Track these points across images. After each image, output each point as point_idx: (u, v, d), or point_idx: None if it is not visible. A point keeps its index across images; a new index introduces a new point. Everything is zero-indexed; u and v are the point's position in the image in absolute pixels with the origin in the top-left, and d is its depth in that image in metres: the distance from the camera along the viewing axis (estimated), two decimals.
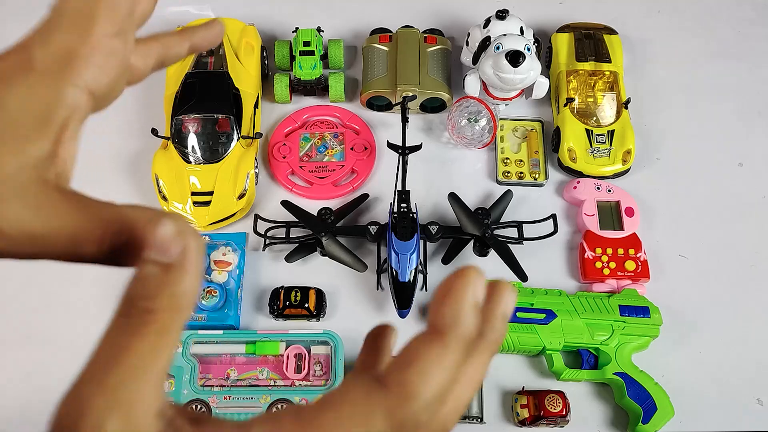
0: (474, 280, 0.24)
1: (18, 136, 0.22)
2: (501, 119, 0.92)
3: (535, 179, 0.88)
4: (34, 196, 0.23)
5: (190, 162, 0.83)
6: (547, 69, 0.97)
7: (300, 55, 0.91)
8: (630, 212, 0.83)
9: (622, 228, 0.82)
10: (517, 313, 0.74)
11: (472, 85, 0.89)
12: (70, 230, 0.23)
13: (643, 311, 0.75)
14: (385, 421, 0.23)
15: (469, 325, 0.24)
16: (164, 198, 0.83)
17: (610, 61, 0.92)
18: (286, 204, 0.83)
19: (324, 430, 0.22)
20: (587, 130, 0.88)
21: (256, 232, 0.81)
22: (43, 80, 0.23)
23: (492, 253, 0.80)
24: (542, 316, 0.75)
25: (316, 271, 0.82)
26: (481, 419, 0.72)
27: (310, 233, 0.80)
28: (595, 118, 0.89)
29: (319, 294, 0.78)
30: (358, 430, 0.23)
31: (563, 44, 0.95)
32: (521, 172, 0.89)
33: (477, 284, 0.24)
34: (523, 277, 0.78)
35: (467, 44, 0.94)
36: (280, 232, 0.82)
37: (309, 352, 0.74)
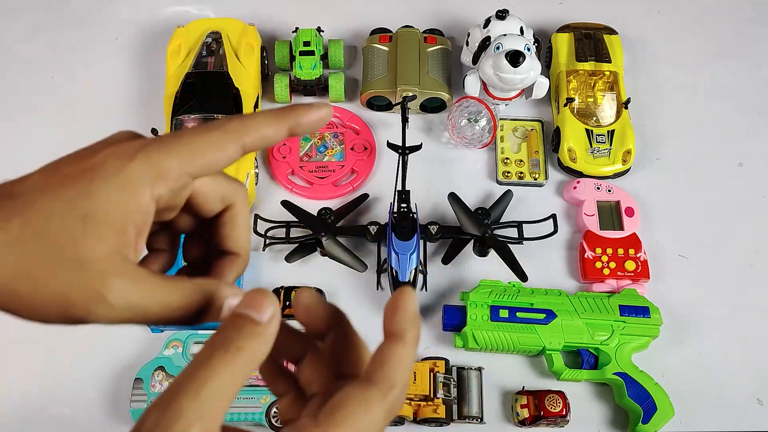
0: (413, 295, 0.32)
1: (106, 227, 0.27)
2: (501, 119, 0.92)
3: (535, 179, 0.88)
4: (132, 274, 0.27)
5: None
6: (547, 69, 0.97)
7: (300, 55, 0.91)
8: (630, 212, 0.83)
9: (622, 228, 0.82)
10: (517, 313, 0.74)
11: (472, 85, 0.89)
12: (166, 302, 0.28)
13: (643, 311, 0.75)
14: (380, 408, 0.28)
15: (418, 327, 0.32)
16: None
17: (610, 61, 0.92)
18: (286, 204, 0.83)
19: None
20: (587, 130, 0.88)
21: (256, 232, 0.81)
22: (128, 186, 0.27)
23: (492, 253, 0.80)
24: (542, 316, 0.75)
25: (316, 271, 0.82)
26: (481, 419, 0.72)
27: (310, 233, 0.80)
28: (595, 118, 0.89)
29: (319, 294, 0.78)
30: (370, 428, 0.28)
31: (563, 44, 0.95)
32: (521, 172, 0.89)
33: (414, 298, 0.33)
34: (523, 277, 0.78)
35: (467, 44, 0.94)
36: (280, 232, 0.82)
37: None
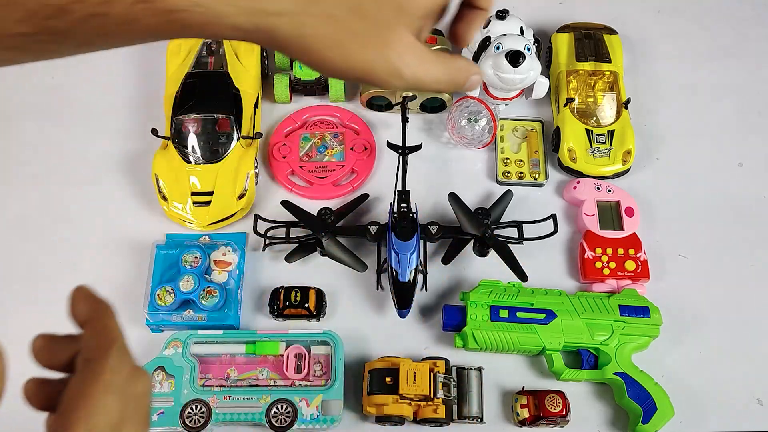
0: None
1: (413, 17, 0.34)
2: (501, 119, 0.92)
3: (535, 179, 0.88)
4: (423, 55, 0.35)
5: (190, 162, 0.83)
6: (547, 69, 0.97)
7: None
8: (630, 212, 0.83)
9: (622, 228, 0.82)
10: (517, 313, 0.74)
11: None
12: (438, 78, 0.36)
13: (643, 311, 0.75)
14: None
15: None
16: (164, 198, 0.83)
17: (610, 61, 0.92)
18: (286, 204, 0.83)
19: None
20: (587, 130, 0.88)
21: (256, 232, 0.81)
22: None
23: (492, 253, 0.80)
24: (542, 316, 0.75)
25: (316, 271, 0.82)
26: (481, 419, 0.72)
27: (310, 233, 0.80)
28: (595, 118, 0.89)
29: (319, 294, 0.78)
30: None
31: (563, 44, 0.95)
32: (521, 172, 0.89)
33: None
34: (523, 277, 0.78)
35: None
36: (280, 232, 0.82)
37: (309, 352, 0.74)
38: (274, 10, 0.30)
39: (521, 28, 0.90)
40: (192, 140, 0.83)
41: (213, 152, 0.84)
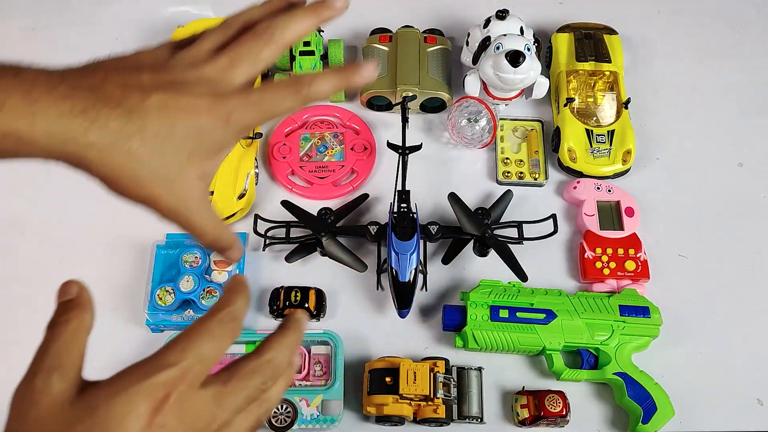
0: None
1: (202, 155, 0.38)
2: (501, 119, 0.92)
3: (535, 179, 0.88)
4: (206, 201, 0.40)
5: None
6: (547, 69, 0.97)
7: (300, 55, 0.91)
8: (630, 212, 0.83)
9: (622, 228, 0.82)
10: (517, 313, 0.74)
11: (472, 85, 0.89)
12: (206, 229, 0.40)
13: (643, 311, 0.75)
14: None
15: None
16: None
17: (610, 61, 0.92)
18: (286, 204, 0.83)
19: None
20: (587, 130, 0.88)
21: (256, 232, 0.81)
22: (214, 121, 0.37)
23: (492, 253, 0.80)
24: (542, 316, 0.75)
25: (316, 271, 0.82)
26: (481, 419, 0.72)
27: (310, 233, 0.80)
28: (595, 118, 0.89)
29: (319, 294, 0.78)
30: None
31: (563, 44, 0.95)
32: (521, 172, 0.89)
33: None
34: (523, 277, 0.78)
35: (467, 44, 0.94)
36: (280, 232, 0.82)
37: (309, 352, 0.74)
38: (85, 142, 0.34)
39: (521, 28, 0.90)
40: None
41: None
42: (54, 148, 0.35)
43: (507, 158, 0.89)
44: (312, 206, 0.84)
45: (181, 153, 0.37)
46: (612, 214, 0.84)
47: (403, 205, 0.80)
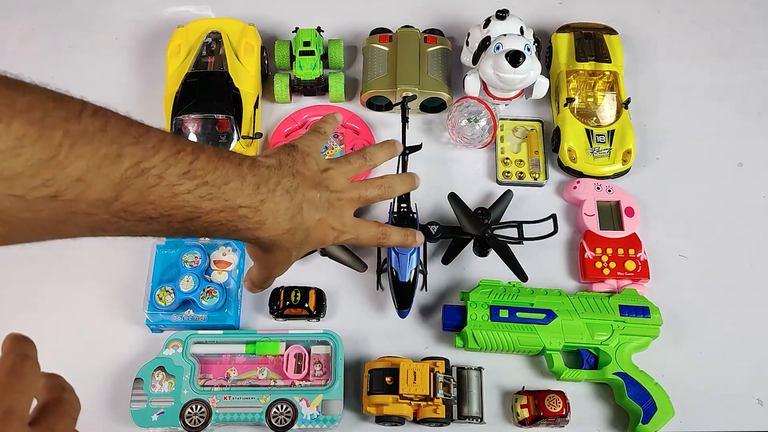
0: None
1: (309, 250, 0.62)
2: (501, 119, 0.92)
3: (535, 179, 0.88)
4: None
5: None
6: (547, 69, 0.97)
7: (300, 55, 0.91)
8: (630, 212, 0.83)
9: (622, 228, 0.83)
10: (517, 313, 0.74)
11: (472, 85, 0.89)
12: (271, 280, 0.64)
13: (643, 311, 0.75)
14: None
15: None
16: None
17: (610, 61, 0.92)
18: None
19: None
20: (587, 130, 0.88)
21: None
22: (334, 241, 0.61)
23: (492, 253, 0.80)
24: (542, 316, 0.75)
25: (316, 271, 0.82)
26: (481, 419, 0.72)
27: None
28: (595, 118, 0.89)
29: (319, 294, 0.78)
30: None
31: (563, 44, 0.95)
32: (521, 172, 0.89)
33: None
34: (523, 277, 0.78)
35: (467, 44, 0.94)
36: None
37: (309, 352, 0.74)
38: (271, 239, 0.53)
39: (521, 28, 0.90)
40: (192, 140, 0.83)
41: None
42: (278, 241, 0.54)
43: (507, 158, 0.89)
44: None
45: (307, 250, 0.60)
46: (612, 214, 0.84)
47: (403, 205, 0.80)
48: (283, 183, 0.51)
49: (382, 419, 0.71)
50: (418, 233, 0.67)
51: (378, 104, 0.93)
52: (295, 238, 0.54)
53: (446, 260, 0.81)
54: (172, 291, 0.76)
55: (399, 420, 0.70)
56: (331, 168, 0.59)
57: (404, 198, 0.80)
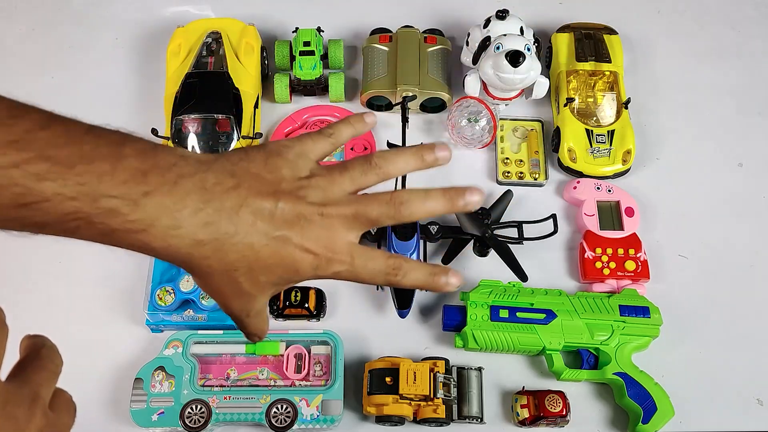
0: None
1: (286, 284, 0.44)
2: (501, 119, 0.92)
3: (535, 179, 0.88)
4: (263, 308, 0.46)
5: None
6: (547, 69, 0.97)
7: (300, 55, 0.91)
8: (630, 212, 0.83)
9: (622, 228, 0.82)
10: (517, 313, 0.74)
11: (472, 85, 0.89)
12: (250, 328, 0.46)
13: (643, 311, 0.75)
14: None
15: None
16: None
17: (610, 61, 0.92)
18: None
19: None
20: (587, 130, 0.88)
21: None
22: (310, 272, 0.43)
23: (492, 253, 0.80)
24: (542, 316, 0.75)
25: None
26: (481, 419, 0.72)
27: None
28: (595, 118, 0.89)
29: (319, 294, 0.78)
30: None
31: (563, 44, 0.95)
32: (521, 172, 0.89)
33: None
34: (523, 277, 0.78)
35: (467, 44, 0.94)
36: None
37: (309, 352, 0.74)
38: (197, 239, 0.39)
39: (521, 28, 0.90)
40: (192, 140, 0.83)
41: (213, 152, 0.83)
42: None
43: (507, 158, 0.89)
44: None
45: (272, 282, 0.42)
46: (612, 214, 0.84)
47: None
48: (202, 178, 0.38)
49: (382, 419, 0.71)
50: (453, 273, 0.47)
51: (378, 104, 0.93)
52: (226, 258, 0.39)
53: (446, 260, 0.81)
54: (172, 291, 0.76)
55: (399, 420, 0.70)
56: (318, 175, 0.45)
57: None
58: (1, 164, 0.32)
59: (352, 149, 0.89)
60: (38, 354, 0.35)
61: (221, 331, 0.75)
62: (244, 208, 0.39)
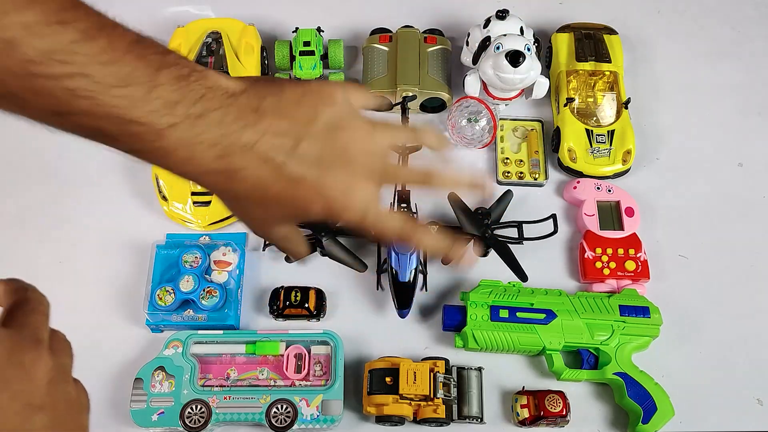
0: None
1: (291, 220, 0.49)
2: (501, 119, 0.92)
3: (535, 179, 0.88)
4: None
5: None
6: (547, 69, 0.97)
7: (300, 55, 0.91)
8: (630, 212, 0.83)
9: (622, 228, 0.82)
10: (517, 313, 0.74)
11: (472, 85, 0.89)
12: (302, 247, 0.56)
13: (643, 311, 0.75)
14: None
15: None
16: (164, 198, 0.83)
17: (610, 61, 0.92)
18: None
19: None
20: (587, 130, 0.88)
21: None
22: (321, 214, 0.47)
23: (492, 253, 0.80)
24: (542, 316, 0.75)
25: (316, 271, 0.82)
26: (481, 419, 0.72)
27: (310, 233, 0.80)
28: (595, 118, 0.89)
29: (319, 294, 0.78)
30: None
31: (563, 44, 0.95)
32: (521, 172, 0.89)
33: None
34: (523, 277, 0.78)
35: (467, 44, 0.94)
36: None
37: (309, 352, 0.74)
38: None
39: (521, 28, 0.90)
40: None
41: None
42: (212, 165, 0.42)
43: (507, 158, 0.89)
44: None
45: (286, 215, 0.45)
46: (612, 214, 0.84)
47: (403, 205, 0.80)
48: (225, 112, 0.39)
49: (382, 419, 0.71)
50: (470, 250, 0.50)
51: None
52: (236, 187, 0.40)
53: (446, 260, 0.81)
54: (172, 291, 0.76)
55: (399, 420, 0.70)
56: (357, 127, 0.44)
57: (404, 198, 0.80)
58: (39, 73, 0.32)
59: None
60: (27, 297, 0.35)
61: (221, 331, 0.75)
62: (260, 144, 0.40)
